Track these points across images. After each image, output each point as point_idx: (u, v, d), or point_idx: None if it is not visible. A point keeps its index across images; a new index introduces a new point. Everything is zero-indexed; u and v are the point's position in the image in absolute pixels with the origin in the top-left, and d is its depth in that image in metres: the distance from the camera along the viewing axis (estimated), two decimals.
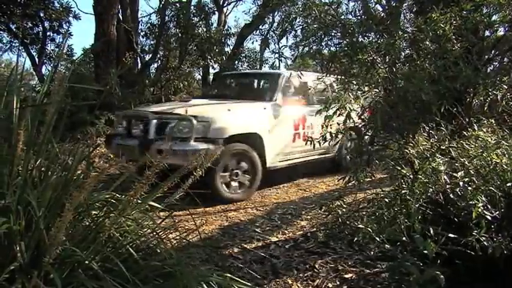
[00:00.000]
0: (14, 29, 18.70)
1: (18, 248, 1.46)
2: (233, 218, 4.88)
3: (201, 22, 14.90)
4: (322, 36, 3.52)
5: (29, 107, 1.93)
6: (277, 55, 25.22)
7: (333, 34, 3.53)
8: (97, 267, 1.61)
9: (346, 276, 3.23)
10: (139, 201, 1.85)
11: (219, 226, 4.55)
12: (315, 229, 4.36)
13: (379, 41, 3.47)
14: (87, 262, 1.63)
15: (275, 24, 21.39)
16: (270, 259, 3.60)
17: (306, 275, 3.28)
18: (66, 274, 1.55)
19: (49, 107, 1.89)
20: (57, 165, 1.91)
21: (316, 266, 3.42)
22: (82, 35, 49.84)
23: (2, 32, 19.34)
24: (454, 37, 3.16)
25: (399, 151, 3.22)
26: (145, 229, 2.05)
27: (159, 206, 2.08)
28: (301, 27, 4.40)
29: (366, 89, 3.39)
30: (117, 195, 1.99)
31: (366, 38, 3.52)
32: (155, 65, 15.71)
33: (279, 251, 3.80)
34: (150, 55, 14.80)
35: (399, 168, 3.03)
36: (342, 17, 3.66)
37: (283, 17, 18.26)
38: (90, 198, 1.77)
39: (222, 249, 3.80)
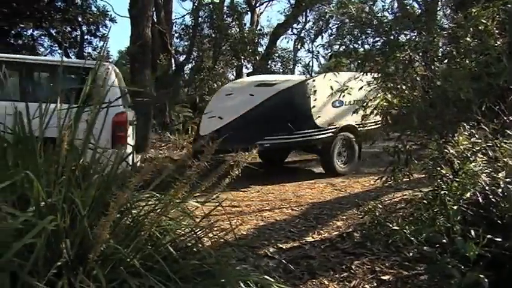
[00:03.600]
0: (54, 34, 19.39)
1: (64, 245, 1.51)
2: (268, 218, 4.88)
3: (234, 22, 14.98)
4: (358, 35, 3.47)
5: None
6: (311, 54, 24.99)
7: (368, 32, 3.48)
8: (138, 265, 1.64)
9: (384, 277, 3.18)
10: (179, 201, 1.87)
11: (254, 226, 4.56)
12: (351, 229, 4.31)
13: (417, 39, 3.39)
14: (128, 260, 1.66)
15: (310, 23, 21.21)
16: (305, 259, 3.58)
17: (342, 275, 3.25)
18: (108, 271, 1.59)
19: (92, 108, 1.95)
20: (99, 165, 1.96)
21: (353, 266, 3.38)
22: (118, 37, 50.97)
23: (43, 37, 20.11)
24: (497, 32, 3.06)
25: (438, 151, 3.14)
26: (183, 228, 2.07)
27: (198, 204, 2.10)
28: (336, 25, 4.35)
29: (403, 87, 3.32)
30: (156, 194, 2.02)
31: (402, 35, 3.45)
32: (189, 66, 15.93)
33: (314, 251, 3.77)
34: (184, 56, 14.99)
35: (438, 168, 2.96)
36: (378, 14, 3.60)
37: (318, 16, 18.10)
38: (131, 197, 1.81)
39: (258, 249, 3.80)
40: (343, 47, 3.94)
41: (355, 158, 7.88)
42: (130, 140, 5.28)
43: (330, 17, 4.01)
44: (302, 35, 21.16)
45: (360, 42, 3.61)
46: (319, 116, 7.34)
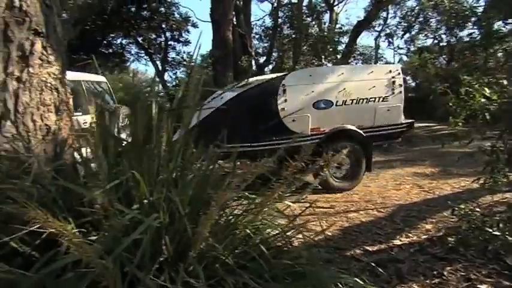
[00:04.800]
0: (141, 41, 20.59)
1: (164, 242, 1.59)
2: (354, 219, 4.78)
3: (313, 22, 14.90)
4: (453, 27, 3.28)
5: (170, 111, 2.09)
6: (393, 51, 24.19)
7: (462, 24, 3.27)
8: (232, 263, 1.68)
9: (480, 286, 2.98)
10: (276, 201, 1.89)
11: (339, 227, 4.50)
12: (441, 233, 4.09)
13: None
14: (223, 258, 1.71)
15: (392, 19, 20.51)
16: (393, 263, 3.46)
17: (433, 281, 3.09)
18: (205, 268, 1.64)
19: (186, 111, 2.03)
20: (195, 165, 2.04)
21: (445, 273, 3.21)
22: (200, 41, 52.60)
23: (131, 45, 21.45)
24: None
25: None
26: (275, 228, 2.09)
27: (293, 204, 2.11)
28: (423, 19, 4.15)
29: (505, 82, 3.09)
30: (247, 193, 2.06)
31: (505, 26, 3.21)
32: (270, 67, 16.07)
33: (403, 255, 3.63)
34: (265, 57, 15.17)
35: None
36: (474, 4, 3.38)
37: (404, 10, 17.44)
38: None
39: (344, 251, 3.74)
40: (434, 40, 3.74)
41: (361, 170, 6.43)
42: None
43: (421, 10, 3.82)
44: (384, 30, 20.55)
45: (453, 35, 3.40)
46: (293, 120, 5.98)
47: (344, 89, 6.28)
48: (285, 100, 5.98)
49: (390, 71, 6.68)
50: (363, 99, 6.41)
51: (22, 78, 2.25)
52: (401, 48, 22.63)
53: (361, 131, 6.33)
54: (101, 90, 8.11)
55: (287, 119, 5.95)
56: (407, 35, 19.16)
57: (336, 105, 6.26)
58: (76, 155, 2.32)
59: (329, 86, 6.29)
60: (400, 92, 6.63)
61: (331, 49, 14.04)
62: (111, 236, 1.46)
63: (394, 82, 6.58)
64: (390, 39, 21.79)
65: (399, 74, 6.67)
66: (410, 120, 6.97)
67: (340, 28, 16.15)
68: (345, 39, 15.99)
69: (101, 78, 8.85)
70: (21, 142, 2.10)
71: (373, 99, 6.47)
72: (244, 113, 5.82)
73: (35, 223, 1.09)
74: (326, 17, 18.17)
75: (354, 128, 6.31)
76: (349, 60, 15.59)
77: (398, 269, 3.33)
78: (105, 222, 1.53)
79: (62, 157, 2.24)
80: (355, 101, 6.36)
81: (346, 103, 6.30)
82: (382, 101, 6.52)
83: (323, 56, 14.04)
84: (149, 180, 1.70)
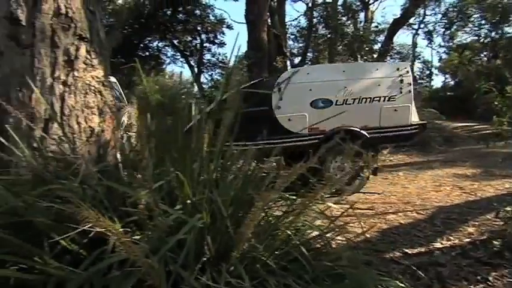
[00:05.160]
0: (177, 44, 20.98)
1: (206, 242, 1.61)
2: (392, 221, 4.69)
3: (349, 21, 14.75)
4: (497, 22, 3.18)
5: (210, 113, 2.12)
6: (431, 49, 23.63)
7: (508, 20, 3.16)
8: (273, 264, 1.68)
9: None
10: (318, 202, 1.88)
11: (378, 229, 4.42)
12: (485, 237, 3.96)
13: None
14: (263, 258, 1.71)
15: (435, 16, 19.97)
16: (434, 266, 3.37)
17: (477, 287, 3.00)
18: (246, 269, 1.65)
19: (227, 112, 2.05)
20: (235, 166, 2.06)
21: (490, 278, 3.10)
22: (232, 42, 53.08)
23: (167, 47, 21.87)
24: None
25: None
26: (315, 229, 2.08)
27: (335, 205, 2.09)
28: (464, 16, 4.04)
29: None
30: (286, 195, 2.06)
31: None
32: None
33: (444, 259, 3.53)
34: (300, 58, 15.14)
35: None
36: None
37: (446, 7, 16.96)
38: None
39: (383, 253, 3.67)
40: (475, 37, 3.63)
41: (366, 173, 5.86)
42: None
43: (462, 6, 3.72)
44: (422, 28, 20.09)
45: (497, 30, 3.30)
46: (289, 119, 5.94)
47: (345, 87, 6.13)
48: (280, 99, 5.87)
49: (398, 69, 6.42)
50: (367, 98, 6.16)
51: (68, 82, 2.33)
52: (442, 46, 21.99)
53: (365, 132, 6.09)
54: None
55: (283, 119, 5.90)
56: (447, 32, 18.64)
57: (336, 104, 6.07)
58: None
59: (329, 84, 6.13)
60: (410, 91, 6.34)
61: (367, 48, 13.85)
62: (156, 235, 1.49)
63: (402, 81, 6.30)
64: (430, 37, 21.21)
65: (408, 72, 6.40)
66: (421, 122, 6.66)
67: (377, 27, 15.92)
68: (381, 37, 15.77)
69: (111, 78, 9.22)
70: (67, 144, 2.17)
71: (378, 98, 6.23)
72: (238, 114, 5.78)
73: (88, 222, 1.13)
74: (361, 15, 17.98)
75: (356, 128, 6.08)
76: (386, 59, 15.36)
77: (440, 273, 3.25)
78: (149, 222, 1.57)
79: (106, 158, 2.30)
80: (357, 100, 6.12)
81: (347, 102, 6.11)
82: (388, 100, 6.27)
83: (359, 56, 13.86)
84: (191, 181, 1.73)
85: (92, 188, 1.71)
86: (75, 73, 2.36)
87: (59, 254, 1.56)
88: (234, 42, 2.48)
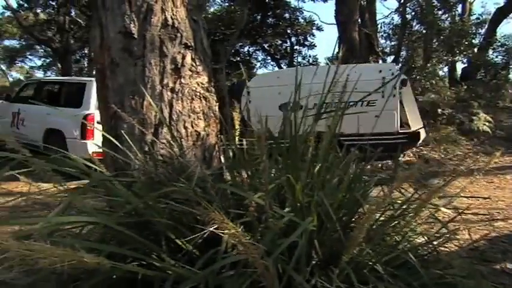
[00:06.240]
0: (267, 48, 21.26)
1: (313, 246, 1.60)
2: (502, 229, 4.33)
3: (445, 15, 13.92)
4: None
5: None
6: None
7: None
8: (381, 270, 1.63)
9: None
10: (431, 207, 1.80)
11: (485, 236, 4.11)
12: None
13: None
14: (371, 264, 1.67)
15: None
16: None
17: None
18: (354, 274, 1.62)
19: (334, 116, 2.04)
20: (339, 169, 2.03)
21: None
22: (325, 44, 52.89)
23: (257, 52, 22.25)
24: None
25: None
26: (422, 235, 1.99)
27: (448, 210, 1.99)
28: None
29: None
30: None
31: None
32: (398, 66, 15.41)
33: None
34: (393, 56, 14.61)
35: None
36: None
37: None
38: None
39: (492, 263, 3.41)
40: None
41: None
42: None
43: None
44: None
45: None
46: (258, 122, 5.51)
47: (316, 91, 5.68)
48: (250, 102, 5.86)
49: (380, 71, 6.00)
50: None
51: (175, 89, 2.46)
52: None
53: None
54: None
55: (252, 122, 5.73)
56: None
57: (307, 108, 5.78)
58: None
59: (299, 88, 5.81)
60: (394, 95, 5.84)
61: (466, 43, 12.92)
62: (269, 237, 1.51)
63: (384, 84, 5.75)
64: None
65: (392, 74, 5.94)
66: (411, 130, 6.07)
67: (478, 18, 14.84)
68: (481, 31, 14.65)
69: None
70: (175, 148, 2.29)
71: (353, 103, 5.71)
72: None
73: (214, 224, 1.17)
74: (459, 7, 16.86)
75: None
76: (487, 54, 14.25)
77: None
78: (259, 224, 1.60)
79: (212, 161, 2.40)
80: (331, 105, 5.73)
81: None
82: (367, 105, 5.78)
83: (457, 51, 12.96)
84: (301, 184, 1.74)
85: (205, 190, 1.78)
86: (182, 80, 2.48)
87: (173, 252, 1.64)
88: (336, 43, 2.45)
